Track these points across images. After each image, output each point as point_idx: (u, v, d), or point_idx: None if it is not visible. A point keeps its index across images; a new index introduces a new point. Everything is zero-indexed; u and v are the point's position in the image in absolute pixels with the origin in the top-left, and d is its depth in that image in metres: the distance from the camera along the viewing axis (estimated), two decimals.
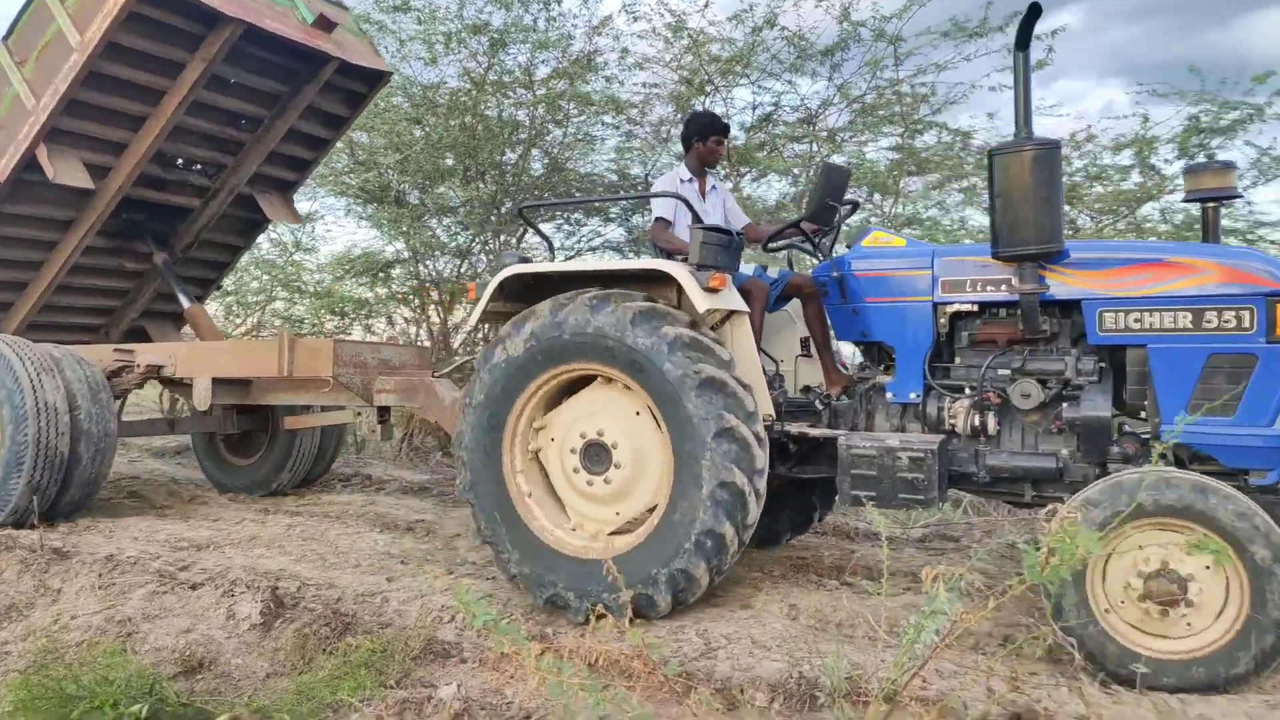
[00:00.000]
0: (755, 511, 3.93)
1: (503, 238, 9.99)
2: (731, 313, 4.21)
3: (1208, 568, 3.16)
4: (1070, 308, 3.92)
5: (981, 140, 9.25)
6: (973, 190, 9.50)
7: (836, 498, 4.36)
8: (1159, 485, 3.19)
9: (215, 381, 6.17)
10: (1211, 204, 3.95)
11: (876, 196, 9.47)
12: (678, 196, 4.56)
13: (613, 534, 4.25)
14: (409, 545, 5.46)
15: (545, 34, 9.19)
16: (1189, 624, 3.19)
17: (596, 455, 4.19)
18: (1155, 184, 8.52)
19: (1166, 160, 8.53)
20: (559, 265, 4.45)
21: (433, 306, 10.56)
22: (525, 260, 4.48)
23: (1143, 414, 3.96)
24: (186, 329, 7.77)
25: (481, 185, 9.55)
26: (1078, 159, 8.93)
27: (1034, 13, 3.68)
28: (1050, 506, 2.35)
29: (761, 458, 3.93)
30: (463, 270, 10.40)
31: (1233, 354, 3.54)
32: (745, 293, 4.29)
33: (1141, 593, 3.22)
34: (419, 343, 10.14)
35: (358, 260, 10.56)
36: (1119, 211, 8.45)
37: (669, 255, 4.57)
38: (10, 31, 5.93)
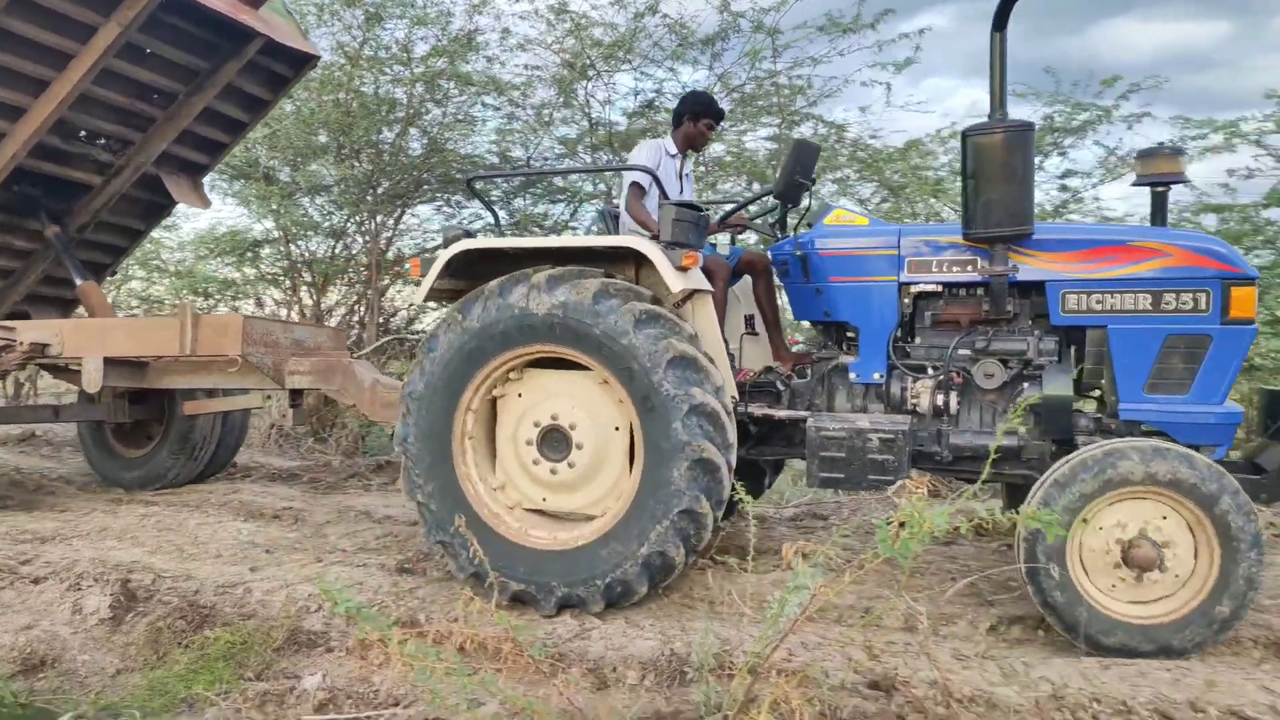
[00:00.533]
0: (728, 487, 3.82)
1: (379, 218, 9.73)
2: (694, 291, 4.08)
3: (1171, 524, 3.35)
4: (1033, 289, 3.99)
5: (854, 133, 9.56)
6: (845, 181, 9.80)
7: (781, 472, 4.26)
8: (1147, 454, 3.33)
9: (108, 363, 5.57)
10: (1161, 188, 4.08)
11: (756, 185, 9.66)
12: (650, 172, 4.42)
13: (530, 511, 4.15)
14: (275, 534, 5.27)
15: (424, 10, 8.98)
16: (1177, 575, 3.36)
17: (556, 442, 4.03)
18: (1135, 168, 8.97)
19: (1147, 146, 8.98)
20: (516, 241, 4.24)
21: (305, 287, 10.19)
22: (470, 235, 4.27)
23: (1098, 393, 4.12)
24: (80, 311, 7.05)
25: (357, 164, 9.27)
26: (944, 154, 9.33)
27: None
28: (900, 482, 2.44)
29: (732, 432, 3.86)
30: (337, 251, 10.08)
31: (1189, 335, 3.69)
32: (708, 272, 4.18)
33: (1121, 560, 3.37)
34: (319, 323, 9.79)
35: (223, 239, 10.09)
36: None
37: (643, 226, 4.44)
38: None
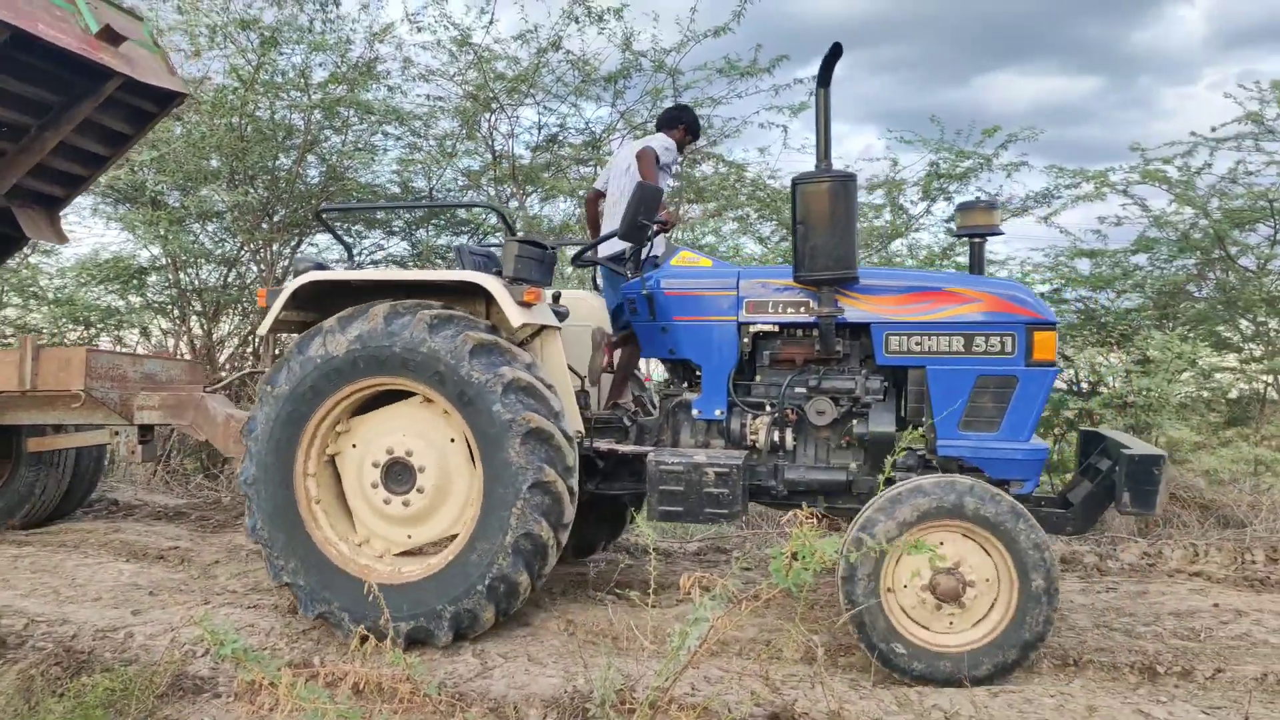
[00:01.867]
0: (553, 562, 3.96)
1: (275, 246, 9.48)
2: (543, 327, 4.19)
3: (963, 546, 3.51)
4: (861, 330, 4.19)
5: (753, 173, 9.84)
6: (746, 220, 10.06)
7: (628, 521, 4.40)
8: (913, 493, 3.50)
9: None
10: (978, 239, 4.38)
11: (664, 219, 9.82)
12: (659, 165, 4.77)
13: (400, 554, 4.13)
14: (159, 575, 5.05)
15: (322, 36, 8.84)
16: (992, 601, 3.51)
17: (400, 475, 4.06)
18: (904, 222, 9.39)
19: (912, 201, 9.43)
20: (363, 273, 4.26)
21: (195, 317, 9.83)
22: (322, 267, 4.27)
23: (919, 429, 4.33)
24: None
25: (251, 190, 9.02)
26: None
27: (835, 52, 3.91)
28: (791, 512, 2.53)
29: (570, 513, 3.95)
30: (230, 279, 9.77)
31: (997, 375, 3.91)
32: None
33: (933, 597, 3.51)
34: (180, 356, 9.41)
35: (106, 265, 9.65)
36: (872, 245, 9.22)
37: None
38: None
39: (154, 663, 3.64)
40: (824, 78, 3.96)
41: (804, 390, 4.22)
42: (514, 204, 9.72)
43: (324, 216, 5.19)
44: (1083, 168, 8.53)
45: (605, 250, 4.96)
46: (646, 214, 4.38)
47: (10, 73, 5.43)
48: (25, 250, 10.24)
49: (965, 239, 4.50)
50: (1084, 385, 8.02)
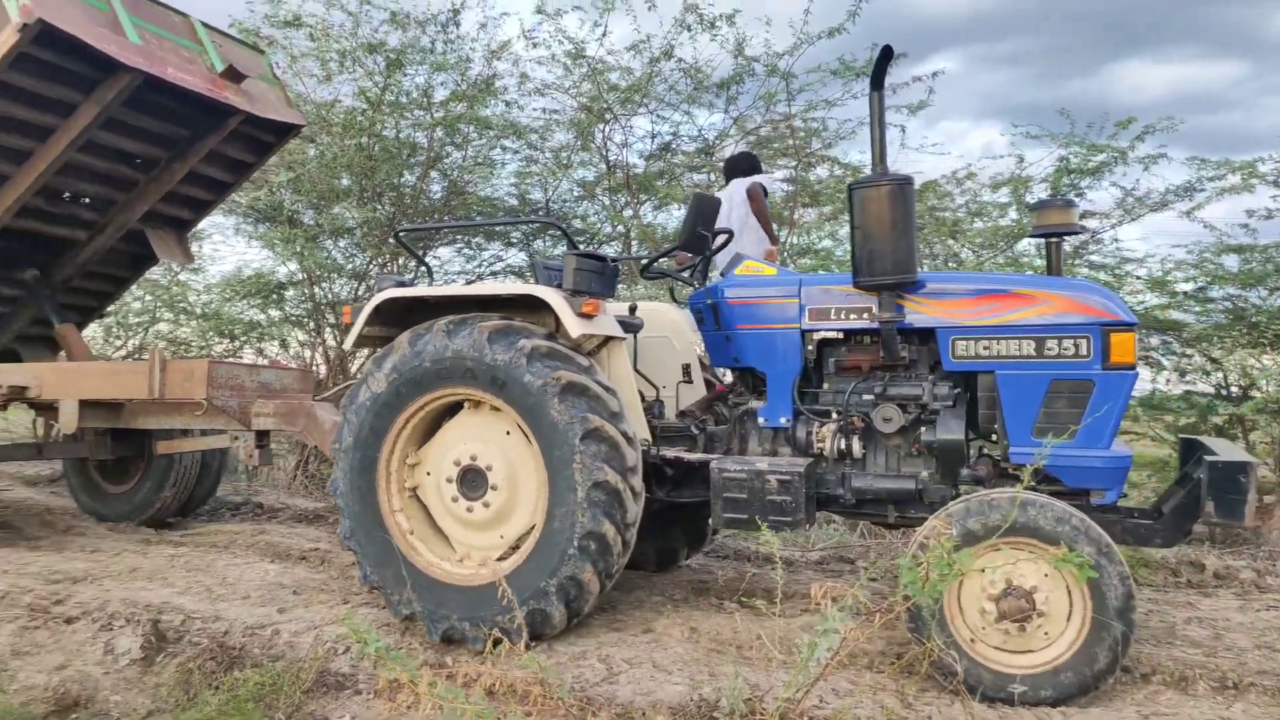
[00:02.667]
0: (634, 510, 3.99)
1: (401, 260, 9.85)
2: (608, 338, 4.27)
3: (1046, 575, 3.35)
4: (927, 335, 4.10)
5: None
6: None
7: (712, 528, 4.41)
8: (982, 509, 3.38)
9: (84, 404, 5.86)
10: (1055, 239, 4.23)
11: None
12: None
13: (500, 559, 4.23)
14: (302, 575, 5.30)
15: (443, 56, 9.15)
16: (1046, 633, 3.36)
17: (473, 481, 4.19)
18: (1031, 221, 9.01)
19: (1041, 198, 9.04)
20: (434, 290, 4.45)
21: (329, 329, 10.31)
22: (404, 284, 4.47)
23: (994, 437, 4.18)
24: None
25: (379, 206, 9.40)
26: (959, 195, 9.39)
27: (886, 55, 3.90)
28: (927, 523, 2.46)
29: (633, 455, 3.98)
30: (360, 292, 10.20)
31: (1072, 380, 3.76)
32: None
33: (996, 615, 3.36)
34: (315, 367, 9.88)
35: (248, 281, 10.23)
36: (998, 246, 8.90)
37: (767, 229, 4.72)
38: None
39: (299, 659, 3.83)
40: (877, 81, 3.93)
41: (870, 397, 4.15)
42: (628, 212, 9.82)
43: (401, 236, 5.38)
44: (1227, 158, 8.01)
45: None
46: (705, 224, 4.42)
47: (144, 111, 5.88)
48: (174, 269, 11.00)
49: (1043, 239, 4.33)
50: (1234, 390, 7.53)
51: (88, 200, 6.50)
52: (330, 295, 10.23)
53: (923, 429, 4.07)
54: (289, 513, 7.40)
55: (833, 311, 4.20)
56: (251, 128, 6.33)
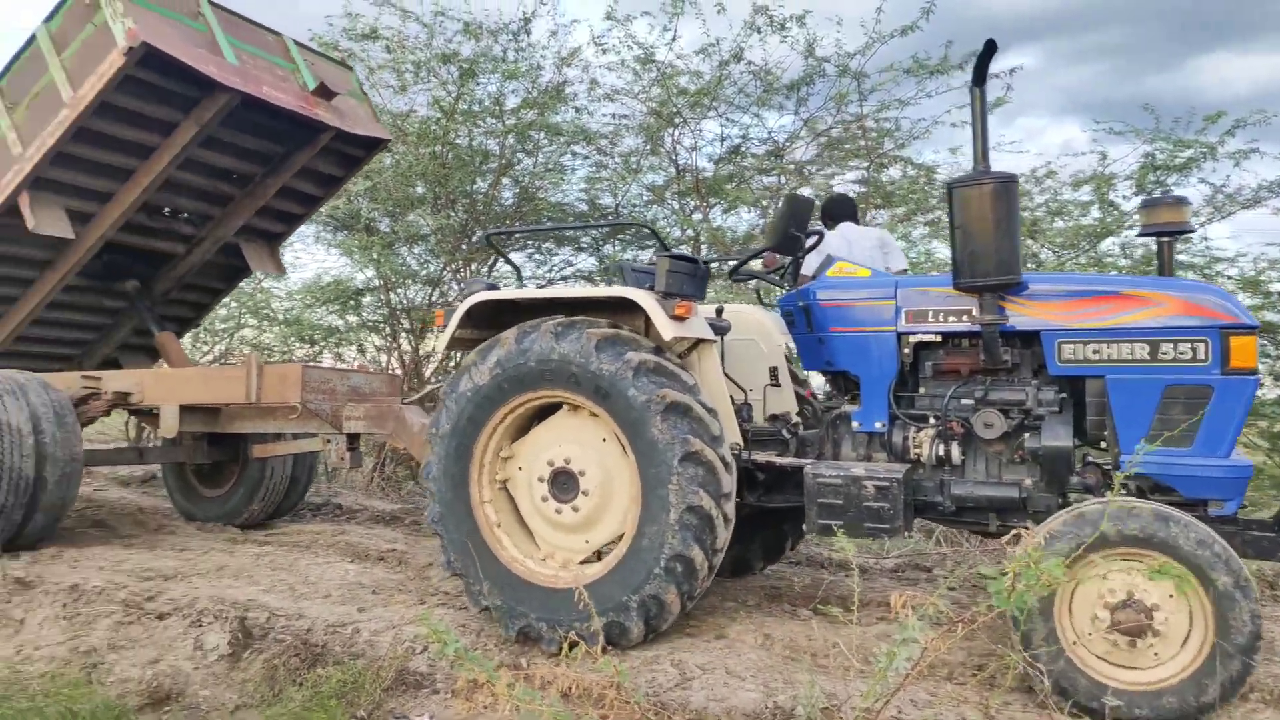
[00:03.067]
0: (724, 535, 3.96)
1: (474, 265, 10.01)
2: (699, 341, 4.24)
3: (1171, 596, 3.22)
4: (1030, 338, 3.99)
5: (945, 174, 9.47)
6: (938, 224, 9.69)
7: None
8: (1121, 515, 3.24)
9: (183, 409, 6.10)
10: (1166, 238, 4.07)
11: (822, 230, 9.62)
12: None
13: (583, 563, 4.26)
14: (380, 575, 5.42)
15: (514, 64, 9.27)
16: (1156, 653, 3.24)
17: (565, 483, 4.20)
18: (1114, 219, 8.75)
19: (1125, 196, 8.76)
20: (526, 292, 4.48)
21: (404, 334, 10.52)
22: (493, 287, 4.51)
23: (1103, 444, 4.05)
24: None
25: (452, 213, 9.57)
26: (1039, 194, 9.15)
27: (989, 49, 3.78)
28: (1014, 532, 2.40)
29: (729, 481, 3.95)
30: (434, 298, 10.39)
31: (1189, 385, 3.61)
32: None
33: (1109, 624, 3.26)
34: (391, 371, 10.10)
35: (328, 288, 10.51)
36: (1080, 246, 8.65)
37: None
38: (4, 72, 5.76)
39: (378, 658, 3.90)
40: (979, 76, 3.82)
41: (970, 402, 4.05)
42: (697, 216, 9.81)
43: (492, 239, 5.45)
44: None
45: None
46: (798, 225, 4.36)
47: (240, 129, 6.14)
48: (259, 276, 11.37)
49: (1154, 239, 4.17)
50: None
51: (186, 215, 6.83)
52: (405, 301, 10.45)
53: (1026, 435, 3.96)
54: (367, 514, 7.58)
55: (930, 314, 4.11)
56: (341, 143, 6.55)
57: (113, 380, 6.36)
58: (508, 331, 4.20)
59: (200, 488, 7.30)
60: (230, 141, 6.24)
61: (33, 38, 5.56)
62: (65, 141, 5.56)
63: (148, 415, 6.92)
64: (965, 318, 4.03)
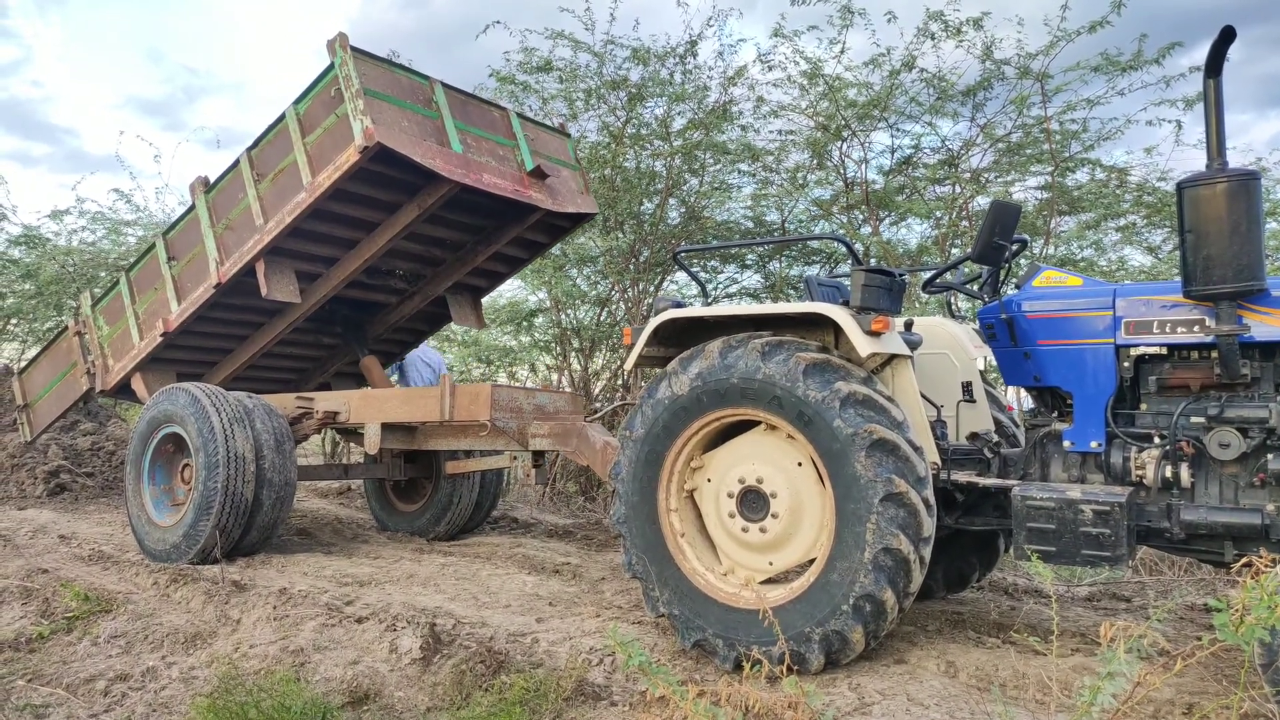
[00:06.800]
0: (919, 579, 3.81)
1: (641, 285, 10.18)
2: (893, 356, 4.11)
3: None
4: (1272, 350, 3.66)
5: (1139, 176, 8.88)
6: (1131, 228, 9.08)
7: (1002, 555, 4.15)
8: None
9: (384, 427, 6.54)
10: None
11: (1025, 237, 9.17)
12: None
13: (764, 583, 4.22)
14: (556, 587, 5.57)
15: (681, 87, 9.40)
16: None
17: (754, 502, 4.15)
18: None
19: None
20: (714, 309, 4.46)
21: (573, 353, 10.82)
22: (680, 305, 4.52)
23: None
24: None
25: (620, 235, 9.78)
26: None
27: (1226, 36, 3.47)
28: (1245, 559, 2.19)
29: (929, 525, 3.80)
30: (602, 318, 10.63)
31: None
32: None
33: None
34: (560, 388, 10.40)
35: (503, 309, 10.96)
36: None
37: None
38: (256, 144, 6.28)
39: (557, 668, 4.00)
40: (1213, 66, 3.50)
41: (1202, 420, 3.70)
42: (866, 229, 9.60)
43: (680, 257, 5.51)
44: None
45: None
46: (1003, 233, 4.13)
47: (457, 209, 6.57)
48: None
49: None
50: None
51: (401, 273, 7.45)
52: (574, 321, 10.74)
53: (1269, 456, 3.60)
54: (541, 528, 7.82)
55: (1155, 324, 3.82)
56: (550, 217, 6.92)
57: (323, 401, 6.91)
58: (712, 343, 4.16)
59: (397, 502, 7.83)
60: (448, 217, 6.71)
61: (283, 116, 6.06)
62: (301, 220, 6.06)
63: (352, 434, 7.46)
64: (1197, 328, 3.71)
